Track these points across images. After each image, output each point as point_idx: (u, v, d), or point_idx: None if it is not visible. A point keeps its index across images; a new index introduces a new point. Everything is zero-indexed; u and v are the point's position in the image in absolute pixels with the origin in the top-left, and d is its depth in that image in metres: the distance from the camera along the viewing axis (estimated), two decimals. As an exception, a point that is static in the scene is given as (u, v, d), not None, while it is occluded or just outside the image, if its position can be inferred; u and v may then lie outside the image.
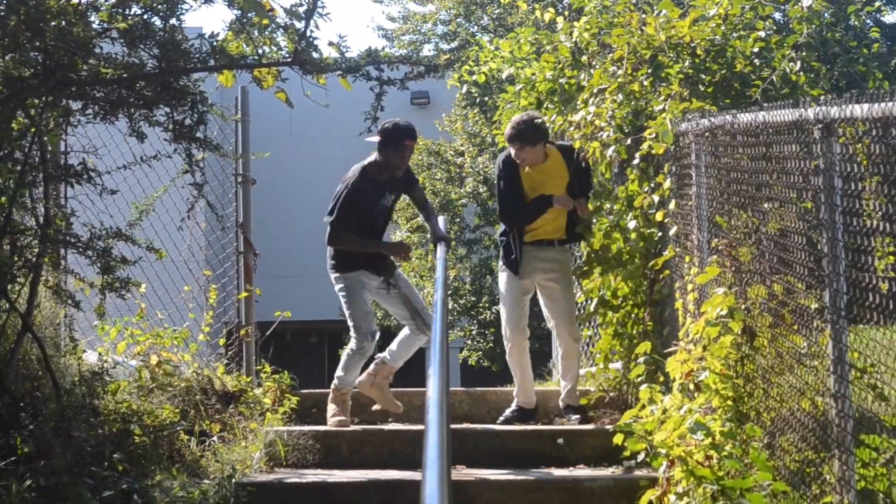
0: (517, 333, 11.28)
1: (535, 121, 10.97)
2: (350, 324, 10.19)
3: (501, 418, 11.27)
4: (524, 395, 11.28)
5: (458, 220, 21.37)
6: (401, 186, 11.56)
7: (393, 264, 10.94)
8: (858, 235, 6.77)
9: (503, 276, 11.40)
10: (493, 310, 22.75)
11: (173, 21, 7.88)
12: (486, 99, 16.45)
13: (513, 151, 10.72)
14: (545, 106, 11.81)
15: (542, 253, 11.27)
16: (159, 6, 7.79)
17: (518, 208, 11.15)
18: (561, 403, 11.34)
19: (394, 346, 11.15)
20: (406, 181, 11.71)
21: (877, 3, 15.39)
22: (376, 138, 10.45)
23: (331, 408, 8.78)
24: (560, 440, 10.28)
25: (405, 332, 11.30)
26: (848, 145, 6.67)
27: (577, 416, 10.91)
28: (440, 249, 9.91)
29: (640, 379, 9.88)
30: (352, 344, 9.86)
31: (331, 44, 7.94)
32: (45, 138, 9.08)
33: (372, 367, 10.97)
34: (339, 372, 9.53)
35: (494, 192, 11.72)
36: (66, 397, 9.49)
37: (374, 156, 11.05)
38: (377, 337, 9.68)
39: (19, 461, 8.41)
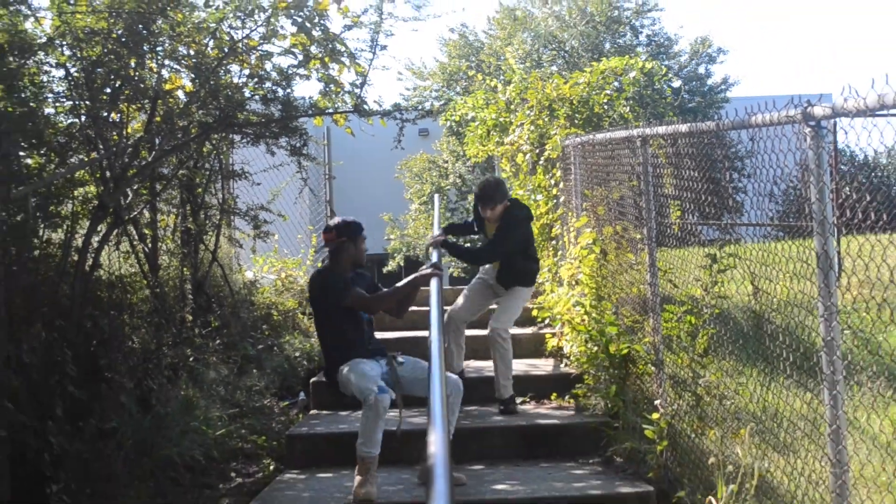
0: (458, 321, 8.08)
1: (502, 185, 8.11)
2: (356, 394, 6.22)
3: None
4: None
5: (445, 198, 21.55)
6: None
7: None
8: (661, 199, 7.35)
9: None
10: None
11: (288, 90, 7.96)
12: (460, 130, 16.95)
13: (497, 209, 7.72)
14: (491, 134, 11.85)
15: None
16: (281, 83, 7.85)
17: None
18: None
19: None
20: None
21: (669, 75, 15.64)
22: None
23: (357, 479, 5.95)
24: None
25: None
26: (654, 150, 7.29)
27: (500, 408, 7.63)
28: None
29: (546, 280, 10.10)
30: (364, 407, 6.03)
31: (374, 101, 8.10)
32: (221, 156, 9.43)
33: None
34: (359, 440, 5.99)
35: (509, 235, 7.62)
36: (235, 296, 9.85)
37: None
38: (386, 390, 5.99)
39: (212, 331, 8.84)
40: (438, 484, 2.53)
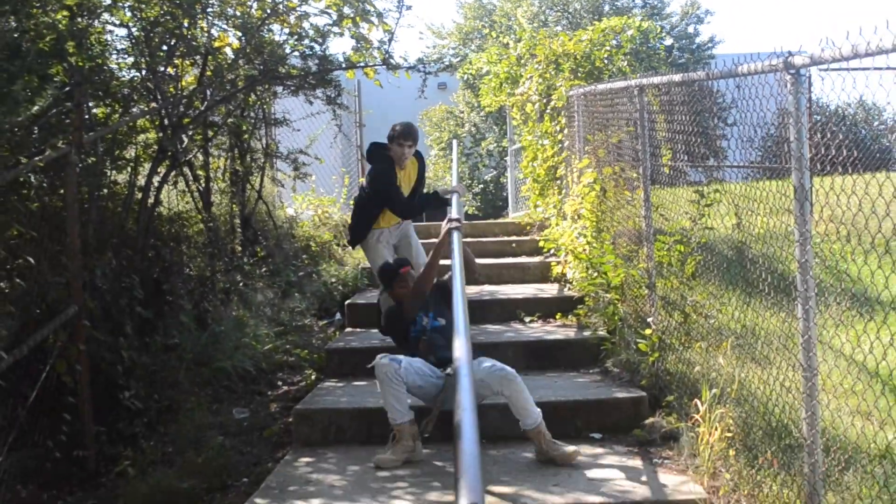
0: None
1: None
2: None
3: None
4: None
5: (461, 144, 21.51)
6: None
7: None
8: (655, 142, 7.33)
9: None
10: (480, 186, 22.57)
11: (324, 47, 7.99)
12: (475, 83, 16.86)
13: (405, 149, 6.75)
14: (503, 86, 11.69)
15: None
16: (317, 40, 7.87)
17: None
18: None
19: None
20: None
21: (662, 34, 15.50)
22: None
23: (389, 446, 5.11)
24: (514, 244, 10.40)
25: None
26: (649, 99, 7.26)
27: None
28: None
29: (552, 215, 10.09)
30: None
31: (400, 57, 8.27)
32: (265, 105, 9.44)
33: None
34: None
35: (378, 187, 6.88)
36: (278, 229, 9.90)
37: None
38: (396, 359, 5.01)
39: (258, 260, 8.89)
40: (463, 381, 2.59)
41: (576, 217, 8.73)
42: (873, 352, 3.96)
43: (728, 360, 5.35)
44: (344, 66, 8.27)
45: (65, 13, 6.42)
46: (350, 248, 9.29)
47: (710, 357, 5.56)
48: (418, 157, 7.16)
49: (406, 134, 6.85)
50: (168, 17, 7.01)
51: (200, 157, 8.77)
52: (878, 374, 4.66)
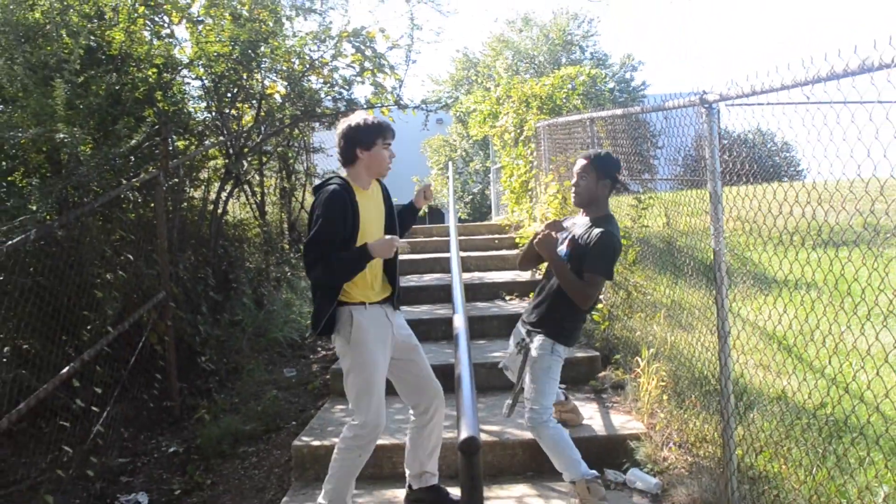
0: None
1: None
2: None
3: None
4: None
5: (455, 164, 21.56)
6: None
7: None
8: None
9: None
10: (470, 196, 22.55)
11: (350, 92, 7.82)
12: (465, 119, 16.82)
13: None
14: (486, 120, 11.50)
15: None
16: (345, 87, 7.74)
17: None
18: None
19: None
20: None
21: (606, 79, 15.42)
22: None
23: None
24: (496, 240, 10.23)
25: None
26: (598, 128, 7.26)
27: None
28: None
29: (524, 218, 10.00)
30: None
31: (408, 98, 8.13)
32: (305, 137, 9.39)
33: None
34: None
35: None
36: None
37: None
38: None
39: (301, 256, 9.01)
40: (462, 343, 2.58)
41: (543, 219, 8.67)
42: (770, 319, 3.99)
43: (661, 326, 5.37)
44: (365, 106, 8.18)
45: (153, 70, 6.43)
46: None
47: (647, 324, 5.59)
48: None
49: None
50: (232, 72, 7.01)
51: (257, 177, 8.75)
52: (774, 336, 4.69)
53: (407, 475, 3.95)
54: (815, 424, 3.79)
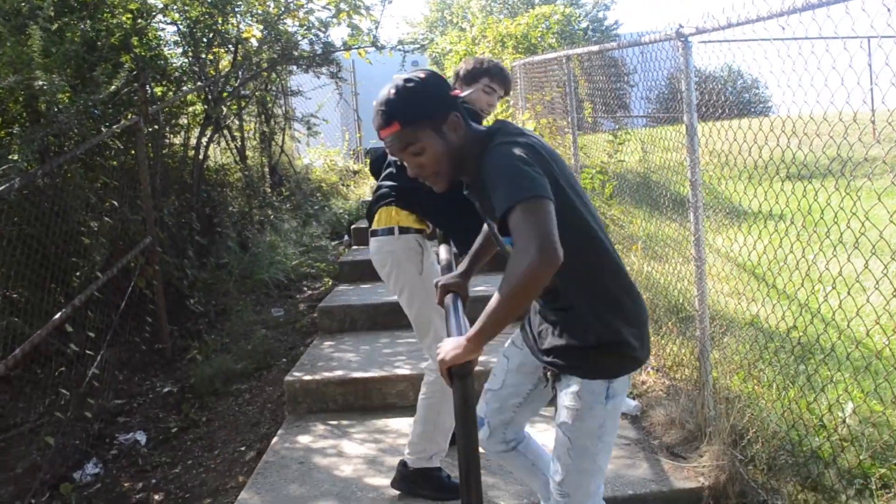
0: None
1: None
2: None
3: None
4: None
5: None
6: None
7: None
8: (580, 99, 7.30)
9: None
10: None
11: (326, 35, 7.77)
12: (440, 60, 16.64)
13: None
14: (462, 61, 11.40)
15: None
16: (321, 30, 7.66)
17: None
18: None
19: None
20: None
21: (580, 18, 15.19)
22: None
23: None
24: None
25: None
26: (573, 66, 7.21)
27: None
28: None
29: None
30: None
31: (384, 40, 8.05)
32: (283, 81, 9.20)
33: None
34: None
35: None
36: (297, 175, 9.74)
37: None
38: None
39: (284, 199, 8.72)
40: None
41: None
42: (744, 247, 4.05)
43: (638, 257, 5.43)
44: (342, 48, 8.10)
45: (128, 16, 6.29)
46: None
47: (625, 256, 5.61)
48: None
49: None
50: (206, 16, 6.86)
51: (236, 122, 8.61)
52: (746, 265, 4.77)
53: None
54: (787, 347, 3.89)
